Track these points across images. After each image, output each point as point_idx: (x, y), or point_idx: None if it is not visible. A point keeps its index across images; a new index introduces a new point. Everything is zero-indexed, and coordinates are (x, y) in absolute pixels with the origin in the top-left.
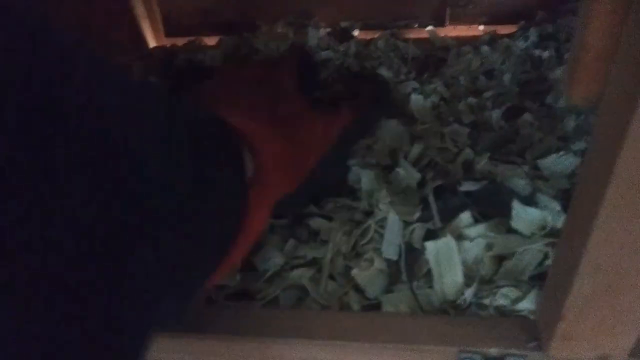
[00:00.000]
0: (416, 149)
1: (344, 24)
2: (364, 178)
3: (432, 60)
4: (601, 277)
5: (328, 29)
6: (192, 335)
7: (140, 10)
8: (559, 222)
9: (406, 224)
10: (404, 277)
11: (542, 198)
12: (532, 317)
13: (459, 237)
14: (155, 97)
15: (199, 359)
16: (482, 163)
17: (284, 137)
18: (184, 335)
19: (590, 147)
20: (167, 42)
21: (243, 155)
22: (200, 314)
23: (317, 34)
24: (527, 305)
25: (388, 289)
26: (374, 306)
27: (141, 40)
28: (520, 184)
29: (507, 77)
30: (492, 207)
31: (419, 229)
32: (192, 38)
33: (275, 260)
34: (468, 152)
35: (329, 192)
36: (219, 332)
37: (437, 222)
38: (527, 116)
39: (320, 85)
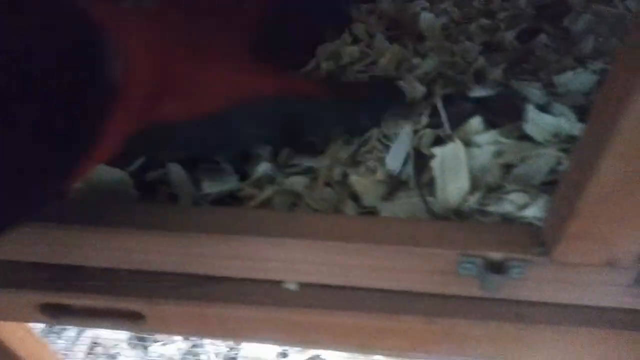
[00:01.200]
0: (426, 64)
1: None
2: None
3: None
4: (627, 165)
5: None
6: (179, 234)
7: None
8: (575, 129)
9: (414, 132)
10: (410, 185)
11: (559, 107)
12: (539, 224)
13: (469, 144)
14: None
15: (185, 256)
16: (496, 73)
17: (179, 57)
18: (172, 234)
19: None
20: None
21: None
22: (188, 213)
23: None
24: (535, 212)
25: (386, 198)
26: (371, 214)
27: None
28: (536, 93)
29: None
30: (505, 115)
31: (427, 136)
32: None
33: (266, 167)
34: (481, 62)
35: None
36: (207, 231)
37: (446, 129)
38: (542, 37)
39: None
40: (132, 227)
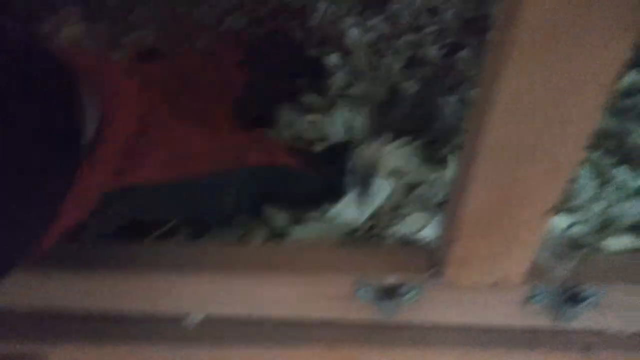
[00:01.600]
0: (340, 78)
1: None
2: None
3: None
4: (494, 189)
5: None
6: (77, 271)
7: None
8: None
9: None
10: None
11: None
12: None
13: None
14: None
15: (85, 295)
16: (412, 89)
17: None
18: (69, 271)
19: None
20: None
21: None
22: (85, 249)
23: None
24: (432, 232)
25: (299, 220)
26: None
27: None
28: (451, 101)
29: (449, 13)
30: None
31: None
32: None
33: None
34: (397, 77)
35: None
36: (109, 267)
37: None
38: (464, 52)
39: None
40: (27, 265)
